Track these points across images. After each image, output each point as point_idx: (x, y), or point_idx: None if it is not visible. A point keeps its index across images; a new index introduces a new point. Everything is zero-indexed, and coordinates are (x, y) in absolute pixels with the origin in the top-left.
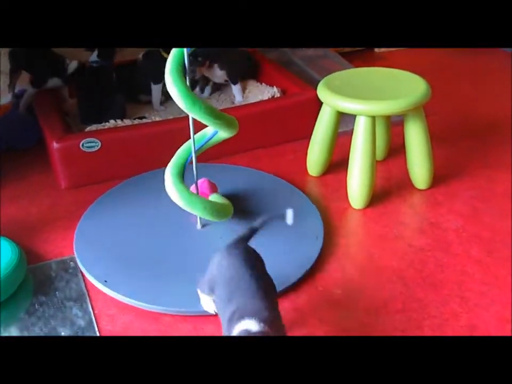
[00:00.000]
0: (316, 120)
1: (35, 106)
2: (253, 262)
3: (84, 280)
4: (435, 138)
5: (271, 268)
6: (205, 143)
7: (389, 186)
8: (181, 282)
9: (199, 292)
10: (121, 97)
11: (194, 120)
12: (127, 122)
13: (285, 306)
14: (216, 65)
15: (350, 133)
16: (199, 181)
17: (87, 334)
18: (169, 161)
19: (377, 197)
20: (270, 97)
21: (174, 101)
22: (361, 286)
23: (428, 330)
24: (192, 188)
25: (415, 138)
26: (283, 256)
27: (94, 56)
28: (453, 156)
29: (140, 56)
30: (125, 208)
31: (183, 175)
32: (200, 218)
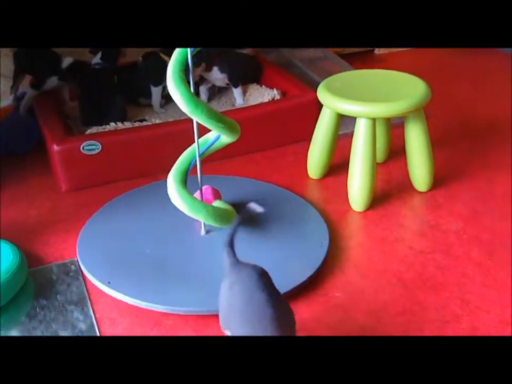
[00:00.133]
0: (316, 122)
1: (35, 109)
2: (266, 282)
3: (85, 284)
4: (435, 140)
5: (276, 273)
6: (208, 148)
7: (389, 188)
8: (184, 284)
9: (222, 329)
10: (121, 99)
11: (197, 124)
12: (128, 125)
13: None
14: (216, 68)
15: (350, 135)
16: (203, 188)
17: None
18: (169, 164)
19: (377, 199)
20: (270, 99)
21: (174, 103)
22: (361, 288)
23: (428, 333)
24: (196, 194)
25: (416, 140)
26: (287, 263)
27: (97, 58)
28: (453, 158)
29: (140, 58)
30: (130, 215)
31: (186, 180)
32: (204, 224)
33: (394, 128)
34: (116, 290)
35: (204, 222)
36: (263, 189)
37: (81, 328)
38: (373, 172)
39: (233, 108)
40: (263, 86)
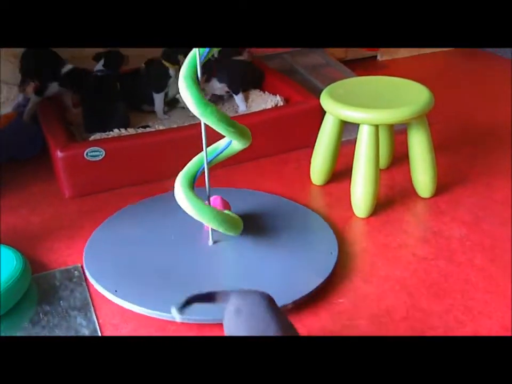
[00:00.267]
0: (319, 129)
1: (39, 115)
2: (274, 309)
3: (89, 289)
4: (438, 146)
5: (286, 282)
6: (218, 155)
7: (392, 194)
8: (190, 291)
9: None
10: (124, 106)
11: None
12: (131, 131)
13: None
14: (214, 78)
15: (353, 142)
16: (212, 198)
17: None
18: (173, 170)
19: (380, 205)
20: (273, 106)
21: (177, 110)
22: (364, 294)
23: None
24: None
25: (419, 146)
26: (297, 272)
27: (99, 65)
28: (456, 164)
29: (143, 65)
30: (137, 225)
31: (194, 185)
32: (211, 234)
33: (397, 134)
34: (123, 299)
35: (211, 231)
36: (268, 200)
37: (84, 333)
38: (376, 178)
39: (237, 114)
40: (266, 93)
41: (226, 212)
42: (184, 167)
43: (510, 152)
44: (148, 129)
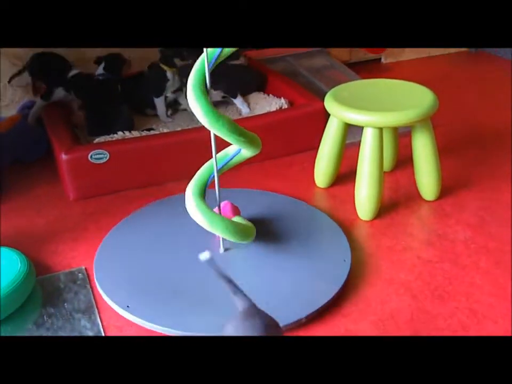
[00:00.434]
0: (323, 132)
1: (44, 118)
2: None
3: (93, 292)
4: (442, 149)
5: (296, 297)
6: (227, 162)
7: (396, 197)
8: (201, 306)
9: None
10: (127, 109)
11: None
12: (135, 134)
13: None
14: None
15: (357, 144)
16: (222, 204)
17: None
18: (177, 172)
19: (385, 208)
20: (278, 108)
21: (181, 112)
22: (368, 297)
23: None
24: (215, 210)
25: (423, 149)
26: (310, 281)
27: (100, 69)
28: (460, 166)
29: (146, 69)
30: (147, 232)
31: (205, 194)
32: (222, 242)
33: (402, 137)
34: (135, 315)
35: (222, 239)
36: (278, 200)
37: (88, 335)
38: (380, 181)
39: (241, 117)
40: (270, 95)
41: (237, 219)
42: (188, 169)
43: None
44: (152, 132)
